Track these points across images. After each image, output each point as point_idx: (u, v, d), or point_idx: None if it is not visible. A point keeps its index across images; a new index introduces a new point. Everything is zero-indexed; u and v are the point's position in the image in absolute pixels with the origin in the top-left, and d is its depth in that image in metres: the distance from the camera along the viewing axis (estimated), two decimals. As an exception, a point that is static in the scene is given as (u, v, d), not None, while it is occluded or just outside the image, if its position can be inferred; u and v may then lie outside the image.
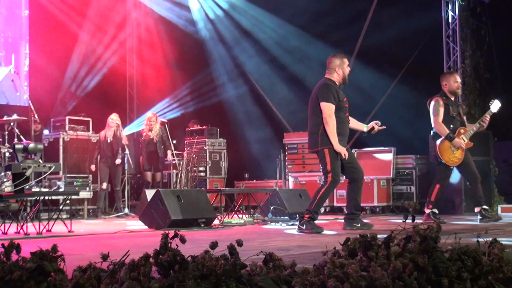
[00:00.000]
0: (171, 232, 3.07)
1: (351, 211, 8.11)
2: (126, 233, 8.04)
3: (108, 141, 12.67)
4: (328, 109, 7.67)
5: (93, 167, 12.63)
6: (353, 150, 13.13)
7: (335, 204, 12.88)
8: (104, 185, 12.58)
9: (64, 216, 10.03)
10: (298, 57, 14.89)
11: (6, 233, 7.60)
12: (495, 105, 9.08)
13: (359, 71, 13.71)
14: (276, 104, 15.42)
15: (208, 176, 14.19)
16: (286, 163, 13.65)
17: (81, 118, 13.32)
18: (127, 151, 12.60)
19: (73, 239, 7.16)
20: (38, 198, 8.59)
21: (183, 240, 3.05)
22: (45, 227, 7.93)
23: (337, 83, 7.93)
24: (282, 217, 9.59)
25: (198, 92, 16.22)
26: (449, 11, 13.23)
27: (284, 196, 10.32)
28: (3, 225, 7.90)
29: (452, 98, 9.21)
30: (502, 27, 12.92)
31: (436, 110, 9.05)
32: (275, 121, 15.28)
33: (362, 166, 12.58)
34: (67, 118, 13.05)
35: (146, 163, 13.09)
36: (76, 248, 5.91)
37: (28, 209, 9.57)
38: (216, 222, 9.19)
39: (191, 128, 14.65)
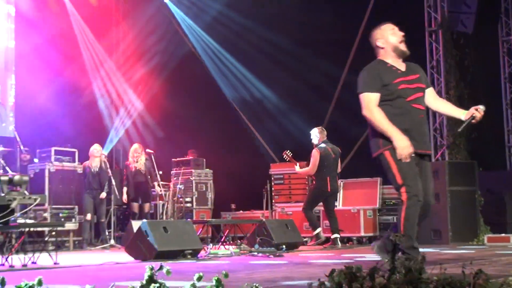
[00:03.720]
0: (157, 264, 3.08)
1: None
2: (112, 265, 7.99)
3: (94, 172, 12.62)
4: (365, 100, 5.67)
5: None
6: (339, 181, 13.23)
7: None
8: (89, 216, 12.47)
9: (50, 248, 9.96)
10: (283, 86, 14.98)
11: (-10, 266, 7.52)
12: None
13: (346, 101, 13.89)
14: (261, 134, 15.46)
15: (194, 206, 14.17)
16: (273, 194, 13.68)
17: (66, 149, 13.30)
18: (113, 182, 12.56)
19: (59, 271, 7.11)
20: (23, 229, 8.54)
21: (168, 273, 3.06)
22: (30, 259, 7.87)
23: (388, 60, 5.74)
24: (269, 248, 9.56)
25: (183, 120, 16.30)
26: (432, 42, 13.39)
27: (271, 227, 10.30)
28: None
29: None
30: (485, 57, 13.11)
31: None
32: (261, 152, 15.32)
33: (348, 196, 12.66)
34: (53, 149, 13.01)
35: (133, 194, 12.97)
36: (61, 280, 5.86)
37: (13, 241, 9.49)
38: (202, 253, 9.16)
39: (177, 159, 14.65)
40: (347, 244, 12.45)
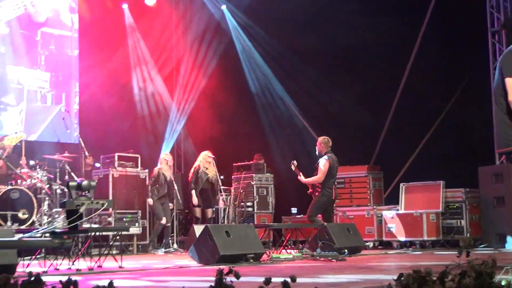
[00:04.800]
0: (226, 268, 3.12)
1: None
2: (176, 269, 8.09)
3: (167, 179, 12.76)
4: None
5: (150, 200, 12.68)
6: (401, 184, 13.10)
7: (384, 238, 12.77)
8: (164, 220, 12.54)
9: (114, 252, 10.16)
10: (344, 90, 14.88)
11: (58, 269, 7.70)
12: None
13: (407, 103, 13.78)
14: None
15: (255, 211, 14.22)
16: (334, 198, 13.61)
17: (129, 154, 13.54)
18: (175, 187, 12.70)
19: (124, 274, 7.24)
20: (89, 234, 8.74)
21: (237, 276, 3.10)
22: (96, 262, 8.04)
23: None
24: (331, 252, 9.53)
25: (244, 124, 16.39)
26: (495, 43, 13.13)
27: (333, 231, 10.26)
28: (55, 260, 8.05)
29: None
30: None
31: None
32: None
33: (410, 200, 12.53)
34: (116, 154, 13.27)
35: (198, 199, 12.99)
36: (128, 284, 5.97)
37: (80, 245, 9.70)
38: (264, 257, 9.19)
39: (238, 164, 14.71)
40: (410, 248, 12.31)
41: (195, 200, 12.80)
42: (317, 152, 11.55)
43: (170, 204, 12.83)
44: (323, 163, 11.29)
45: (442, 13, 13.61)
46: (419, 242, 12.49)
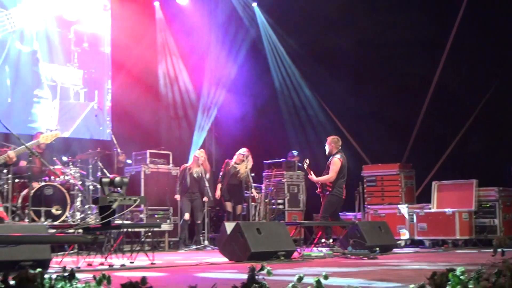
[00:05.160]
0: (258, 265, 3.13)
1: None
2: (207, 265, 8.12)
3: (195, 176, 12.81)
4: None
5: (177, 196, 12.78)
6: (433, 182, 13.00)
7: (416, 237, 12.69)
8: (187, 216, 12.60)
9: (146, 248, 10.23)
10: (374, 88, 14.79)
11: (91, 265, 7.78)
12: None
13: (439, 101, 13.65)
14: (353, 136, 15.34)
15: (286, 208, 14.21)
16: (365, 196, 13.57)
17: (161, 151, 13.63)
18: (207, 184, 12.73)
19: (156, 270, 7.28)
20: (122, 230, 8.82)
21: (269, 273, 3.10)
22: (128, 258, 8.11)
23: None
24: (362, 250, 9.50)
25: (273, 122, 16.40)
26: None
27: (364, 229, 10.22)
28: (87, 256, 8.14)
29: None
30: None
31: None
32: (353, 153, 15.19)
33: (443, 198, 12.46)
34: (148, 151, 13.37)
35: (226, 194, 13.04)
36: (159, 279, 6.01)
37: (112, 241, 9.80)
38: (295, 255, 9.18)
39: (269, 161, 14.70)
40: (442, 247, 12.22)
41: (218, 192, 12.92)
42: (327, 152, 11.49)
43: (205, 198, 12.86)
44: (335, 162, 11.24)
45: (476, 10, 13.44)
46: (451, 241, 12.38)
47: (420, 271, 6.32)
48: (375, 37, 14.28)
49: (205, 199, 12.80)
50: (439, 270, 3.17)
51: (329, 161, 11.34)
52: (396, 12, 13.91)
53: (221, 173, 13.09)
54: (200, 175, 12.76)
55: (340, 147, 11.48)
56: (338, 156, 11.27)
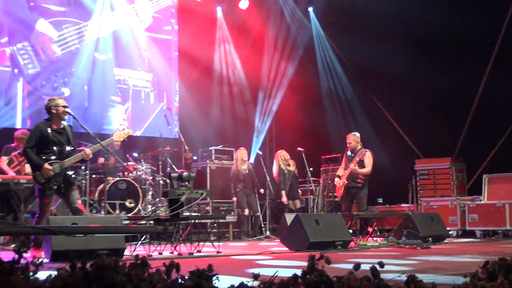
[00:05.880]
0: (317, 254, 3.12)
1: None
2: (269, 254, 8.14)
3: (244, 174, 12.87)
4: None
5: (234, 198, 12.96)
6: (484, 175, 12.72)
7: (467, 227, 12.44)
8: (246, 211, 12.73)
9: (212, 238, 10.31)
10: (426, 84, 14.51)
11: (161, 253, 7.90)
12: None
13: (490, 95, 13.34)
14: (405, 131, 15.13)
15: (343, 201, 14.11)
16: (418, 188, 13.39)
17: (225, 148, 13.75)
18: (268, 178, 12.79)
19: (222, 259, 7.34)
20: (189, 221, 8.93)
21: (328, 262, 3.09)
22: (195, 247, 8.20)
23: None
24: (416, 240, 9.37)
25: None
26: None
27: (417, 220, 10.08)
28: (158, 245, 8.27)
29: None
30: None
31: None
32: (405, 148, 15.00)
33: (493, 190, 12.15)
34: (213, 148, 13.51)
35: (287, 194, 13.13)
36: (225, 267, 6.05)
37: (181, 232, 9.93)
38: (352, 244, 9.12)
39: (326, 156, 14.67)
40: (493, 238, 11.95)
41: (285, 199, 13.01)
42: (349, 148, 11.36)
43: (261, 190, 12.92)
44: (369, 156, 11.20)
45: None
46: (501, 231, 12.10)
47: (472, 260, 6.20)
48: (430, 33, 13.99)
49: (261, 191, 12.88)
50: (491, 259, 3.11)
51: (356, 155, 11.19)
52: (452, 13, 13.62)
53: (278, 181, 13.13)
54: (247, 171, 12.85)
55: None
56: (368, 150, 11.22)
